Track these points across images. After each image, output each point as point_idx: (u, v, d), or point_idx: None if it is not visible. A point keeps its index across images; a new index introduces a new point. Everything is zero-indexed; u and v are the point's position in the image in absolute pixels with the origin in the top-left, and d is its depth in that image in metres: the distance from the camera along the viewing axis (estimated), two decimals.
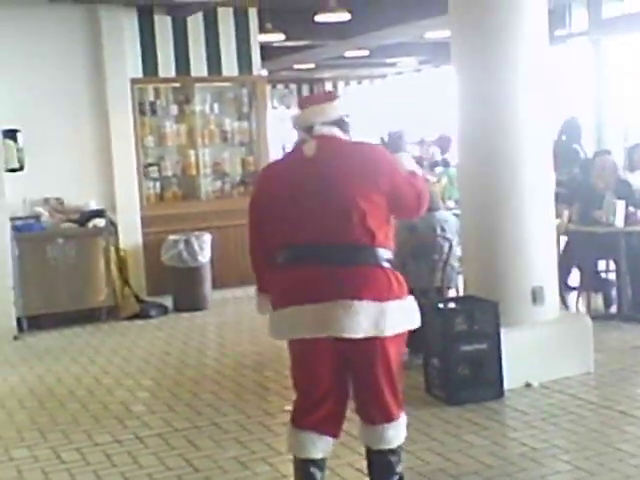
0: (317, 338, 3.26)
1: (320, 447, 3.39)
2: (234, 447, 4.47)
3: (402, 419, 3.40)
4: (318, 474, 3.41)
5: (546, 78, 5.36)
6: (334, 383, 3.36)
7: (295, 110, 3.70)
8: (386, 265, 3.27)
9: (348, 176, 3.27)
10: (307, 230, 3.30)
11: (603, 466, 3.91)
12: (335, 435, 3.43)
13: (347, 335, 3.19)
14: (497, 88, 5.19)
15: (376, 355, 3.27)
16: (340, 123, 3.44)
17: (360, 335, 3.19)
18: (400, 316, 3.28)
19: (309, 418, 3.38)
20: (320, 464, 3.42)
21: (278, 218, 3.40)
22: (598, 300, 7.19)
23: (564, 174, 7.78)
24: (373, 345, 3.25)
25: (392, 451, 3.40)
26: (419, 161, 11.86)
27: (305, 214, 3.31)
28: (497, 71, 5.19)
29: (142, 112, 8.65)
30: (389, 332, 3.23)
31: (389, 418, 3.35)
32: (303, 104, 3.57)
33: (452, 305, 5.36)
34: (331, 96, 3.67)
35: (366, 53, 14.58)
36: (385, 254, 3.29)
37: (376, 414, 3.35)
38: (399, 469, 3.45)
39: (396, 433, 3.38)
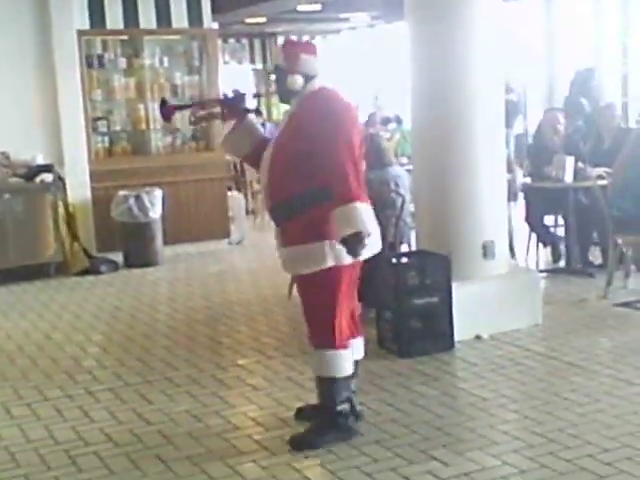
0: None
1: None
2: (186, 401, 4.46)
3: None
4: None
5: (499, 33, 5.37)
6: None
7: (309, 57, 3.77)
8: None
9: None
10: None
11: (550, 415, 3.99)
12: None
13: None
14: (450, 44, 5.17)
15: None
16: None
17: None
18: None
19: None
20: None
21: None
22: (547, 254, 7.31)
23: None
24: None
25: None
26: (372, 118, 11.85)
27: None
28: (449, 27, 5.17)
29: (90, 65, 8.48)
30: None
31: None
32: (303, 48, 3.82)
33: (404, 260, 5.40)
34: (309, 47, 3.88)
35: (318, 7, 14.41)
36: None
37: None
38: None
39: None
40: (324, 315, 3.72)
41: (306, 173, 3.61)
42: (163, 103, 4.23)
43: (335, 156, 3.52)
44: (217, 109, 4.02)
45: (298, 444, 3.75)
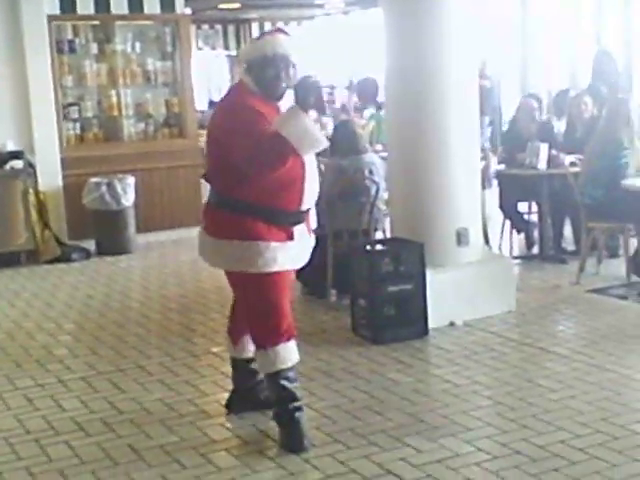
0: None
1: None
2: (159, 389, 4.43)
3: (274, 350, 3.59)
4: None
5: (473, 20, 5.36)
6: None
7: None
8: (228, 210, 3.56)
9: (210, 127, 3.63)
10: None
11: (523, 401, 4.01)
12: None
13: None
14: (424, 31, 5.16)
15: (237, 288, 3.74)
16: (248, 69, 3.54)
17: (206, 262, 3.84)
18: (224, 254, 3.61)
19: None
20: None
21: None
22: (521, 241, 7.33)
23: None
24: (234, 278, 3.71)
25: (271, 376, 3.65)
26: (346, 107, 11.80)
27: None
28: (425, 15, 5.16)
29: (60, 51, 8.33)
30: (221, 266, 3.73)
31: (260, 344, 3.66)
32: None
33: (379, 247, 5.40)
34: (257, 38, 3.74)
35: None
36: (228, 201, 3.56)
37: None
38: (289, 399, 3.64)
39: (266, 361, 3.64)
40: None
41: None
42: None
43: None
44: None
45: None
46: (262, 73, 3.49)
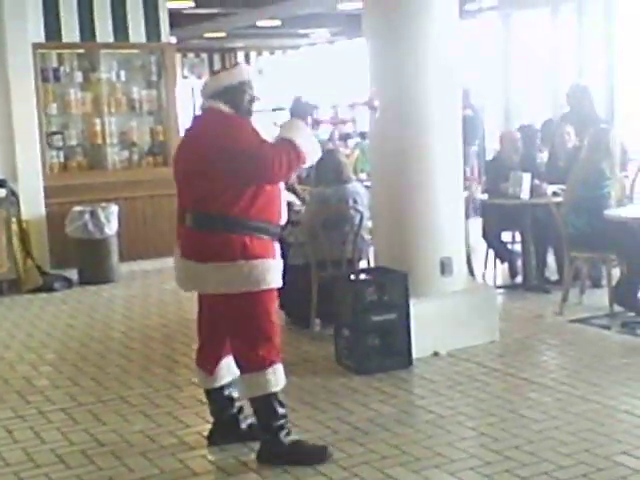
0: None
1: None
2: (141, 421, 4.38)
3: (262, 374, 3.66)
4: None
5: (456, 51, 5.41)
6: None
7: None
8: (222, 231, 3.59)
9: (191, 153, 3.68)
10: (180, 196, 3.79)
11: (506, 432, 3.99)
12: None
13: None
14: (408, 61, 5.20)
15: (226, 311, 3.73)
16: (224, 94, 3.70)
17: (188, 289, 3.88)
18: (215, 277, 3.61)
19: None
20: None
21: (177, 183, 3.83)
22: (504, 270, 7.35)
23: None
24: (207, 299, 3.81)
25: (258, 399, 3.70)
26: (331, 136, 11.84)
27: (178, 182, 3.78)
28: (408, 44, 5.20)
29: (45, 79, 8.34)
30: (209, 291, 3.69)
31: (247, 367, 3.71)
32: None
33: (363, 276, 5.39)
34: (219, 70, 3.99)
35: (278, 23, 14.45)
36: (223, 221, 3.59)
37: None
38: (273, 421, 3.69)
39: (253, 384, 3.69)
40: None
41: None
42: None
43: None
44: None
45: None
46: (241, 95, 3.73)
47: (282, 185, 3.80)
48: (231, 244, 3.59)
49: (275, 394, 3.70)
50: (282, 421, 3.73)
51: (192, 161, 3.67)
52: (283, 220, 3.79)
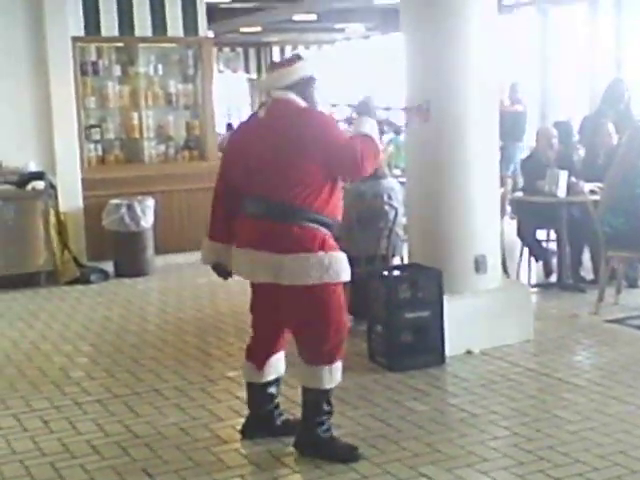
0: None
1: None
2: (175, 413, 4.42)
3: (330, 368, 3.71)
4: None
5: (494, 47, 5.37)
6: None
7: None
8: (305, 223, 3.58)
9: (276, 142, 3.60)
10: (254, 186, 3.67)
11: (540, 432, 3.97)
12: None
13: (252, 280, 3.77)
14: (446, 57, 5.16)
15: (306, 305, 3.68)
16: (297, 86, 3.68)
17: (259, 280, 3.70)
18: (293, 268, 3.57)
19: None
20: None
21: (239, 172, 3.74)
22: (539, 269, 7.29)
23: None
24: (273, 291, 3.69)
25: (315, 392, 3.74)
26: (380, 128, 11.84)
27: (252, 172, 3.67)
28: (446, 40, 5.17)
29: (84, 72, 8.44)
30: (285, 282, 3.59)
31: (321, 360, 3.73)
32: (268, 69, 3.92)
33: (397, 273, 5.37)
34: (289, 61, 3.84)
35: (314, 17, 14.45)
36: (306, 213, 3.57)
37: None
38: (318, 416, 3.75)
39: (318, 377, 3.72)
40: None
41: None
42: None
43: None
44: None
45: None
46: (313, 87, 3.75)
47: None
48: (313, 236, 3.60)
49: (327, 391, 3.74)
50: (324, 417, 3.77)
51: (278, 150, 3.60)
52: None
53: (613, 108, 7.82)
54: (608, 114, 7.64)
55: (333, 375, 3.73)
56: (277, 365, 3.95)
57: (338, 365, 3.75)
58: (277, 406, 4.01)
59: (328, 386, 3.73)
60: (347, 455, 3.73)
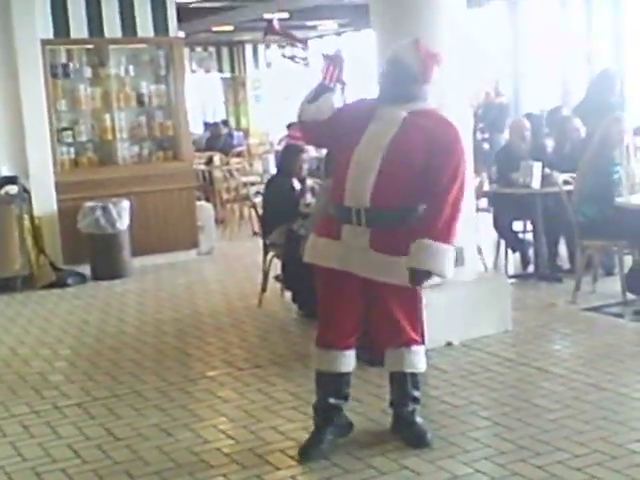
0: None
1: None
2: (155, 414, 4.40)
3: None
4: None
5: (465, 40, 5.38)
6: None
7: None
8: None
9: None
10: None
11: (520, 421, 3.99)
12: None
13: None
14: None
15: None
16: None
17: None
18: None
19: None
20: None
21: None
22: (516, 260, 7.34)
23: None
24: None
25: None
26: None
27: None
28: (416, 34, 5.15)
29: (54, 75, 8.36)
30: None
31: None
32: None
33: None
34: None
35: (286, 16, 14.43)
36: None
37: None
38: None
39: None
40: (421, 313, 3.98)
41: (417, 187, 3.68)
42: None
43: (449, 186, 3.64)
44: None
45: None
46: None
47: None
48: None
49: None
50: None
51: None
52: None
53: (600, 101, 7.83)
54: (590, 107, 7.68)
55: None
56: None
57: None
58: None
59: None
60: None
